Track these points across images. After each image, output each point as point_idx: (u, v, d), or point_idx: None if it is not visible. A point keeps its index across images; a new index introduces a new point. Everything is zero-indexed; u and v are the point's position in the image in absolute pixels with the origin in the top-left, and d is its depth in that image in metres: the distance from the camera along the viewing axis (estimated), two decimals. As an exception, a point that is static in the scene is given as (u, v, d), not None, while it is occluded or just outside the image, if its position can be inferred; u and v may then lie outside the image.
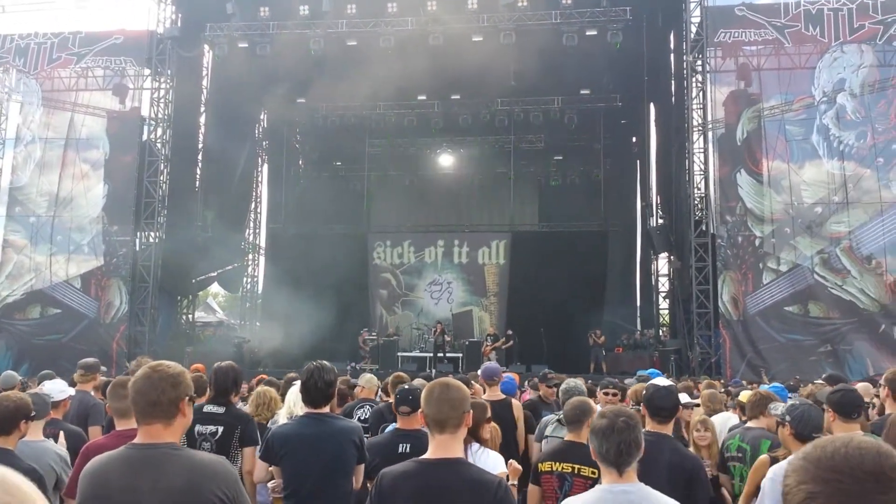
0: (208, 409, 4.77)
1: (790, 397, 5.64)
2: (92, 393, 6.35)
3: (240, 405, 5.51)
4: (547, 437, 5.39)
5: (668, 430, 4.01)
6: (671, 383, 4.29)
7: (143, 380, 2.57)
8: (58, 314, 19.79)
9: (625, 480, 2.72)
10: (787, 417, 3.86)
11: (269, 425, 5.25)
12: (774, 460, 4.03)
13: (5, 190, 20.77)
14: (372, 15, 20.09)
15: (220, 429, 4.65)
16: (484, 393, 6.49)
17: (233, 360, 5.55)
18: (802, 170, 17.84)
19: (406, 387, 4.87)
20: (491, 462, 3.92)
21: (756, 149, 18.12)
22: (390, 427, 5.04)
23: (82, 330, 19.54)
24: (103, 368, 7.75)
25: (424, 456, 2.88)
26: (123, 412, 3.80)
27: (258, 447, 4.72)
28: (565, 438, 4.49)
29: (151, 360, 2.99)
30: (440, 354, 20.32)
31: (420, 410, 2.95)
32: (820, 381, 9.39)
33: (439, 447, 2.82)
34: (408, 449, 4.42)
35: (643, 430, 3.88)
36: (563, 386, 6.09)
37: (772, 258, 17.64)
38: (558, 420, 5.38)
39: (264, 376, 9.02)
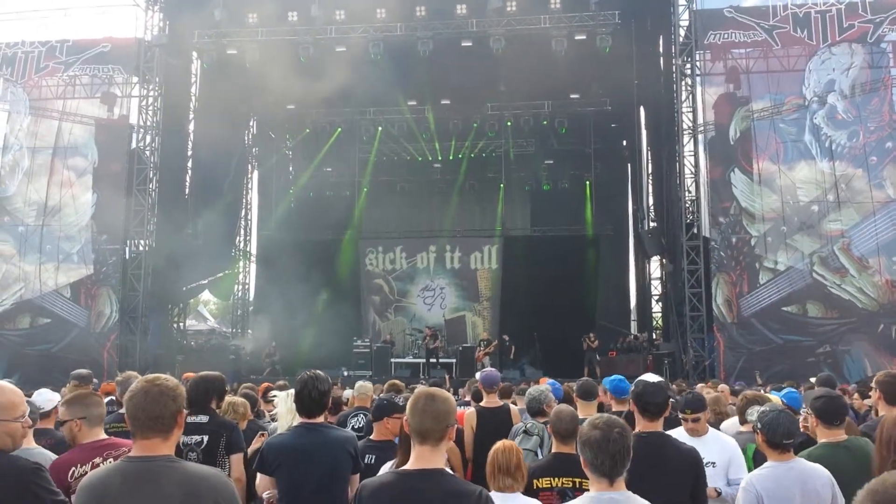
0: (191, 419, 4.70)
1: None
2: None
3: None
4: None
5: (659, 427, 3.98)
6: (661, 379, 4.22)
7: (142, 394, 2.54)
8: (48, 324, 19.63)
9: (614, 489, 2.74)
10: (759, 425, 3.83)
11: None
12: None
13: (-7, 199, 20.66)
14: (361, 21, 20.04)
15: (206, 438, 4.60)
16: (483, 399, 6.43)
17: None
18: (795, 169, 17.85)
19: (382, 397, 4.89)
20: None
21: (749, 148, 18.15)
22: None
23: (73, 339, 19.37)
24: (95, 381, 7.64)
25: (405, 466, 2.85)
26: (93, 422, 3.71)
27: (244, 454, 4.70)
28: (554, 451, 4.39)
29: (138, 375, 2.92)
30: (433, 360, 20.26)
31: (405, 419, 2.89)
32: (812, 382, 9.35)
33: (419, 458, 2.79)
34: (373, 460, 4.51)
35: (637, 431, 3.87)
36: (529, 391, 5.96)
37: (768, 258, 17.63)
38: (525, 431, 5.26)
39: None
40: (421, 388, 3.03)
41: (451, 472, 2.90)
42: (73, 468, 3.19)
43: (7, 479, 2.81)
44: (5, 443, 2.96)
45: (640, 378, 4.14)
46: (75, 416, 3.70)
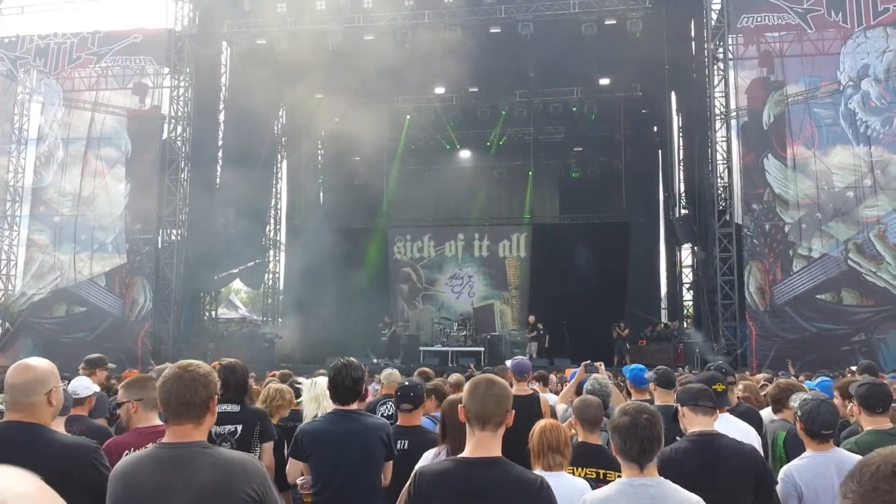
0: (223, 408, 4.69)
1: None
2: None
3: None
4: None
5: (707, 424, 3.88)
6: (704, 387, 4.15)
7: (174, 380, 2.57)
8: (83, 312, 19.98)
9: (645, 475, 2.76)
10: (798, 413, 3.78)
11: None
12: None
13: (28, 190, 21.01)
14: (389, 8, 20.02)
15: (239, 427, 4.60)
16: (512, 387, 6.43)
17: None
18: (831, 153, 17.49)
19: (406, 384, 4.88)
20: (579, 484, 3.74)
21: (783, 133, 17.84)
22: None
23: (108, 328, 19.71)
24: (111, 365, 7.76)
25: (463, 454, 2.79)
26: (149, 405, 3.77)
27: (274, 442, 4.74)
28: (579, 440, 4.36)
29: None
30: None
31: (461, 405, 2.86)
32: (854, 369, 9.22)
33: (479, 445, 2.74)
34: (406, 446, 4.50)
35: (692, 431, 3.77)
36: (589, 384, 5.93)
37: (802, 245, 17.35)
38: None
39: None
40: (479, 375, 3.03)
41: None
42: (128, 451, 3.25)
43: (76, 453, 2.96)
44: (56, 411, 3.07)
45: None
46: (132, 398, 3.78)
